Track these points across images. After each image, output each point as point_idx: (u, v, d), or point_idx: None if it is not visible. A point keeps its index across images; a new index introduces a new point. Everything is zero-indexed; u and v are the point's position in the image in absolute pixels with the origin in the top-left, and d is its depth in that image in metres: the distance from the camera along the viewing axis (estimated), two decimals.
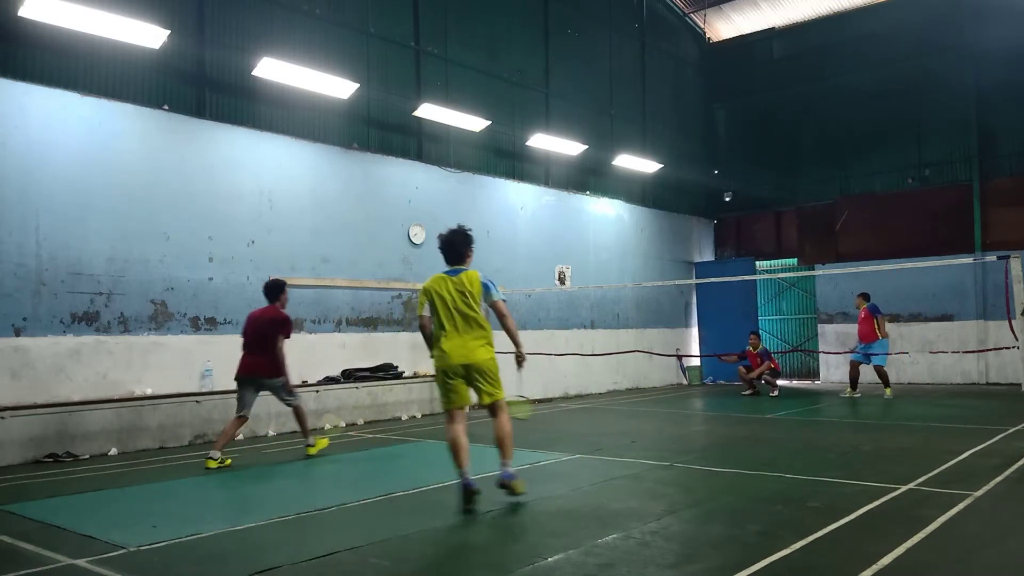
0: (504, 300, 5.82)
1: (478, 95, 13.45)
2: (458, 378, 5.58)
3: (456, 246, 5.87)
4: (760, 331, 16.00)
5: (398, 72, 12.40)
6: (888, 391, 12.75)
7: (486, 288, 5.75)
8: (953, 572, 3.91)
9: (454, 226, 6.00)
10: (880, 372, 12.69)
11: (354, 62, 11.59)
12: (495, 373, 5.66)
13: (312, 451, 7.87)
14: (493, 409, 5.70)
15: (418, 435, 9.50)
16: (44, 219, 8.31)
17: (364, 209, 11.54)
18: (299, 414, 7.91)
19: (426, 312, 5.72)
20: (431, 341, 5.71)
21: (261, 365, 7.65)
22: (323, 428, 10.13)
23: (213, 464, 7.17)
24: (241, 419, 7.63)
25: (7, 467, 7.45)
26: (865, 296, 12.85)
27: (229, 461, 7.35)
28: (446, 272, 5.84)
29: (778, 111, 18.47)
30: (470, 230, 5.99)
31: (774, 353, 15.69)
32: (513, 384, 5.93)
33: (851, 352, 13.56)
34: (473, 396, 5.74)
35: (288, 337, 7.72)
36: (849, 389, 12.94)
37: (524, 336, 14.06)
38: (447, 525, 4.96)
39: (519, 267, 13.98)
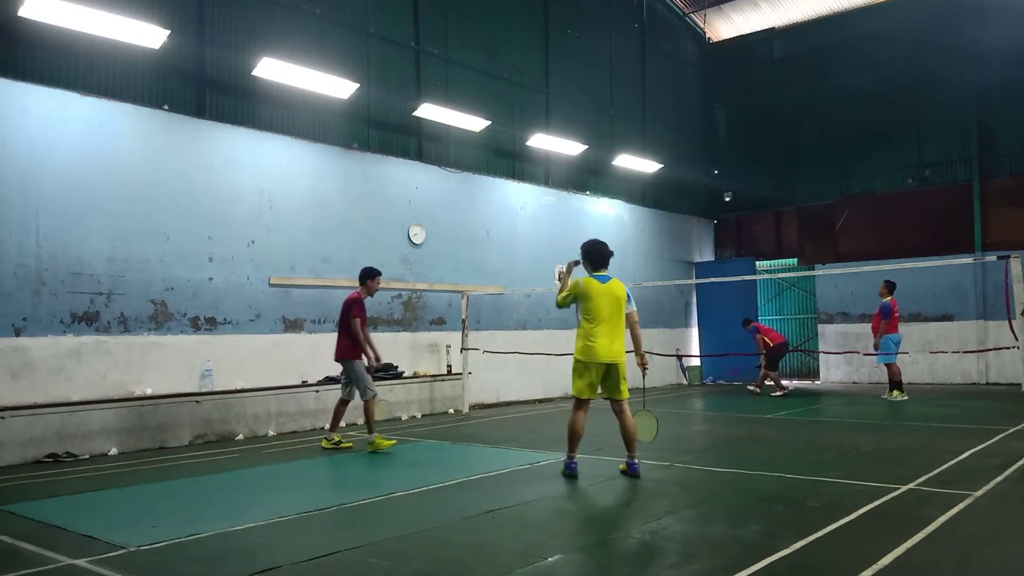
0: (636, 309, 6.58)
1: (478, 95, 13.45)
2: (599, 374, 6.33)
3: (606, 253, 6.53)
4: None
5: (398, 72, 12.40)
6: (895, 393, 12.20)
7: (628, 298, 6.47)
8: (953, 572, 3.91)
9: (596, 238, 6.76)
10: (888, 369, 12.31)
11: (354, 62, 11.59)
12: (626, 373, 6.41)
13: (326, 444, 8.33)
14: (620, 405, 6.40)
15: (418, 435, 9.50)
16: (44, 219, 8.31)
17: (364, 209, 11.54)
18: (338, 409, 8.45)
19: (569, 300, 6.46)
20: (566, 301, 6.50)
21: (337, 347, 8.36)
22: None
23: (328, 444, 8.28)
24: (343, 403, 8.48)
25: (7, 467, 7.45)
26: (888, 286, 12.29)
27: (350, 444, 8.35)
28: (594, 276, 6.45)
29: (778, 111, 18.46)
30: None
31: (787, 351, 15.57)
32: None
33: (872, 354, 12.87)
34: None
35: (358, 317, 8.15)
36: (897, 392, 12.31)
37: (524, 336, 14.10)
38: (447, 525, 4.96)
39: (519, 267, 13.97)
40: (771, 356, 14.02)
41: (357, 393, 8.34)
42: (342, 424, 8.82)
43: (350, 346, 8.23)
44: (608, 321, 6.29)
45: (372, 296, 8.61)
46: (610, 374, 6.35)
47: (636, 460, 6.34)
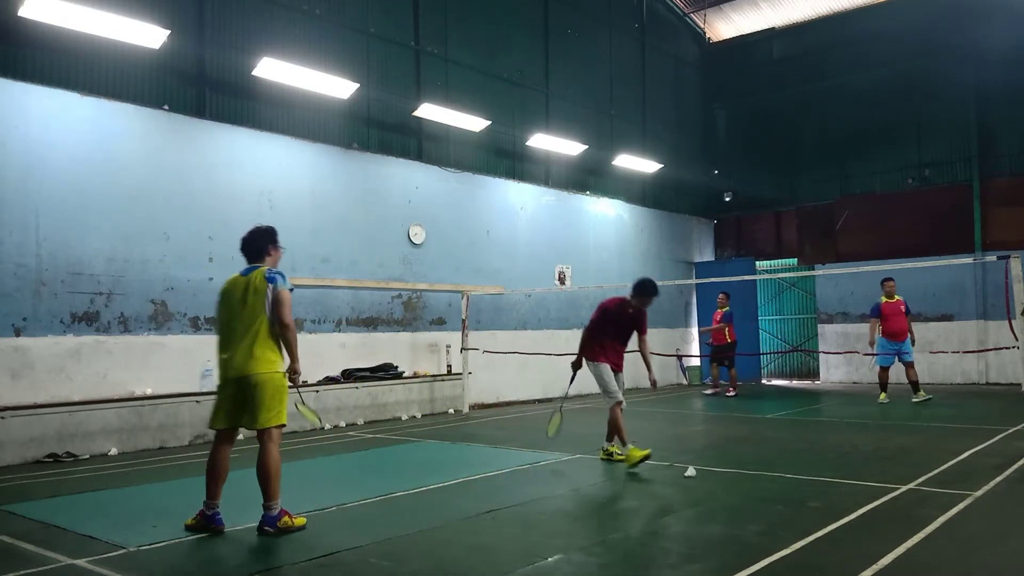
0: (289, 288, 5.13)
1: (478, 95, 13.45)
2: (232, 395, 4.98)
3: (249, 240, 5.44)
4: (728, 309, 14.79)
5: (398, 72, 12.40)
6: (922, 392, 11.70)
7: (272, 280, 5.14)
8: (953, 572, 3.91)
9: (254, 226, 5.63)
10: (914, 372, 11.80)
11: (354, 62, 11.59)
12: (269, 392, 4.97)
13: (620, 457, 7.01)
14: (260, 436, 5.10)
15: (418, 435, 9.50)
16: (44, 219, 8.30)
17: (364, 209, 11.54)
18: (613, 419, 7.08)
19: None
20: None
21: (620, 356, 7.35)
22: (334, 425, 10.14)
23: (629, 460, 6.70)
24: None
25: (7, 467, 7.45)
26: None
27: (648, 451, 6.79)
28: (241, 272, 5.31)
29: (778, 111, 18.46)
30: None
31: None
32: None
33: (873, 354, 12.03)
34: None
35: (593, 321, 7.35)
36: (884, 394, 11.90)
37: (524, 336, 14.08)
38: (447, 525, 4.96)
39: (519, 267, 13.97)
40: (721, 354, 14.06)
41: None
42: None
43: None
44: (241, 324, 4.92)
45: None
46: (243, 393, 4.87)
47: (274, 511, 4.79)
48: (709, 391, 14.06)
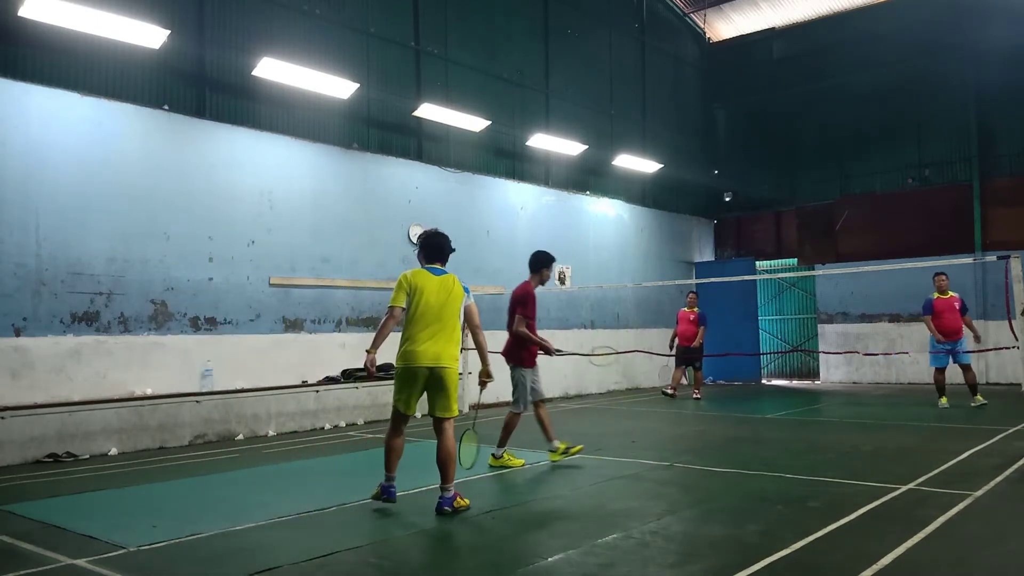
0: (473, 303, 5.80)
1: (478, 95, 13.45)
2: (421, 384, 5.54)
3: (444, 245, 5.72)
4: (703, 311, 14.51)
5: (398, 72, 12.40)
6: (979, 396, 10.91)
7: (467, 292, 5.72)
8: (953, 572, 3.91)
9: (437, 229, 5.96)
10: (972, 374, 11.02)
11: (354, 62, 11.59)
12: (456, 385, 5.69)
13: (516, 463, 7.12)
14: (443, 425, 5.65)
15: (418, 435, 9.48)
16: (44, 219, 8.31)
17: (364, 209, 11.54)
18: (507, 425, 7.19)
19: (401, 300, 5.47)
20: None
21: (505, 347, 7.31)
22: (323, 428, 10.15)
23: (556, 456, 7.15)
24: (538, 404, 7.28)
25: (7, 467, 7.44)
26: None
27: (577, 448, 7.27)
28: (427, 268, 5.63)
29: (778, 111, 18.45)
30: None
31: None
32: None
33: (932, 351, 11.14)
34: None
35: (524, 315, 7.22)
36: (944, 398, 11.06)
37: None
38: (447, 525, 4.96)
39: (519, 267, 13.87)
40: (690, 355, 13.88)
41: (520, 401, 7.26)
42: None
43: (512, 348, 7.26)
44: (438, 320, 5.39)
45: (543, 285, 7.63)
46: (434, 383, 5.40)
47: (450, 492, 5.30)
48: (669, 390, 13.76)
